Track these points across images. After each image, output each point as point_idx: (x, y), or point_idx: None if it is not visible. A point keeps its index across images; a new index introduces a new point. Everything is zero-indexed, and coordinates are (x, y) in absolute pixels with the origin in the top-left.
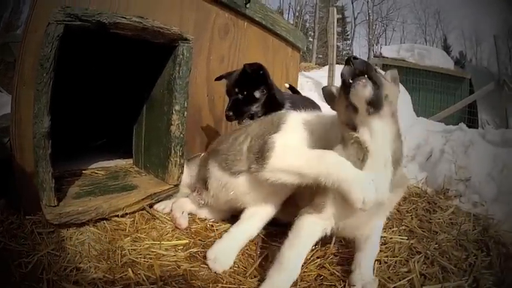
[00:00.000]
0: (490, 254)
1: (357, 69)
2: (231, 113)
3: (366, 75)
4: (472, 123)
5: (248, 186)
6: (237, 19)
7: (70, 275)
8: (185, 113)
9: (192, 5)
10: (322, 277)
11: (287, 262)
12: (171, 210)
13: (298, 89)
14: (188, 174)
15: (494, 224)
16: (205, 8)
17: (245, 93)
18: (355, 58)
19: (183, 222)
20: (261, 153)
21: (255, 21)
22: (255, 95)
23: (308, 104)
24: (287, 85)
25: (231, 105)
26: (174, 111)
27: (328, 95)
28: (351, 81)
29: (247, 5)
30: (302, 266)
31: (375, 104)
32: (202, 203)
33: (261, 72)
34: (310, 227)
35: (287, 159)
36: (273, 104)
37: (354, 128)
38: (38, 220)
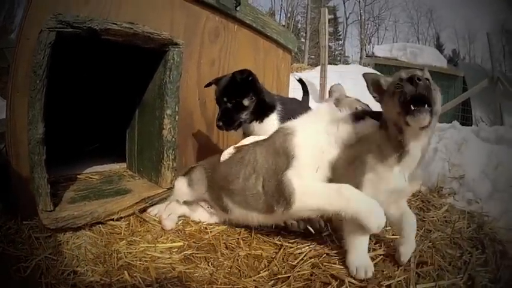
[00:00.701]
0: (485, 252)
1: (420, 94)
2: (221, 123)
3: (425, 102)
4: (467, 120)
5: (286, 218)
6: (227, 22)
7: (68, 278)
8: (176, 117)
9: (182, 10)
10: (316, 275)
11: None
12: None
13: (291, 89)
14: (190, 194)
15: (489, 222)
16: (196, 12)
17: (233, 101)
18: (419, 79)
19: (168, 223)
20: (283, 198)
21: (245, 24)
22: (243, 103)
23: (298, 106)
24: (297, 77)
25: (221, 115)
26: (165, 116)
27: (374, 83)
28: (412, 107)
29: (238, 8)
30: (295, 266)
31: (428, 126)
32: (215, 217)
33: (250, 78)
34: None
35: (309, 200)
36: (264, 107)
37: (400, 128)
38: (35, 225)
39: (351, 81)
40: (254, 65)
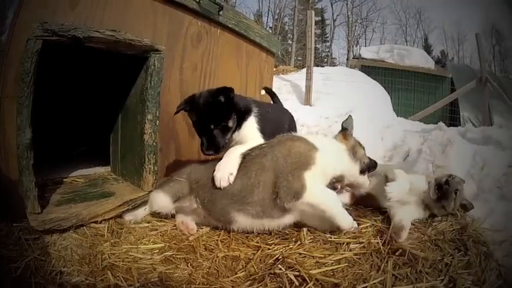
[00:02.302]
0: (468, 254)
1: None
2: (212, 152)
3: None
4: (455, 121)
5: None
6: (210, 27)
7: (55, 278)
8: (157, 121)
9: (164, 15)
10: (291, 276)
11: None
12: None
13: (276, 92)
14: (170, 208)
15: (473, 223)
16: (178, 17)
17: (219, 126)
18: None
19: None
20: (294, 191)
21: (228, 28)
22: (229, 125)
23: (273, 107)
24: (263, 92)
25: (208, 143)
26: (146, 120)
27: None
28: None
29: (220, 13)
30: (272, 266)
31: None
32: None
33: (231, 96)
34: None
35: (315, 199)
36: (240, 114)
37: None
38: (24, 227)
39: (337, 82)
40: (237, 69)
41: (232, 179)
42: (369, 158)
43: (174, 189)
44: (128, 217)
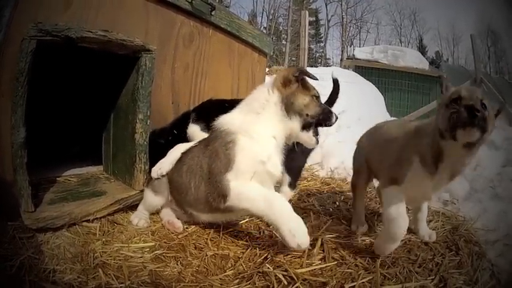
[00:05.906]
0: (460, 253)
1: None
2: None
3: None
4: None
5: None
6: (202, 27)
7: (48, 276)
8: (148, 121)
9: (157, 15)
10: (279, 275)
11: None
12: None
13: None
14: (158, 201)
15: (465, 223)
16: (171, 17)
17: None
18: (478, 111)
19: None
20: (219, 195)
21: (220, 28)
22: None
23: (214, 104)
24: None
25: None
26: (137, 120)
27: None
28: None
29: (213, 13)
30: (260, 265)
31: (474, 145)
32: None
33: (169, 138)
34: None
35: (241, 202)
36: (182, 128)
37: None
38: (18, 226)
39: (330, 83)
40: (229, 69)
41: (160, 173)
42: (321, 106)
43: (154, 184)
44: (135, 220)
